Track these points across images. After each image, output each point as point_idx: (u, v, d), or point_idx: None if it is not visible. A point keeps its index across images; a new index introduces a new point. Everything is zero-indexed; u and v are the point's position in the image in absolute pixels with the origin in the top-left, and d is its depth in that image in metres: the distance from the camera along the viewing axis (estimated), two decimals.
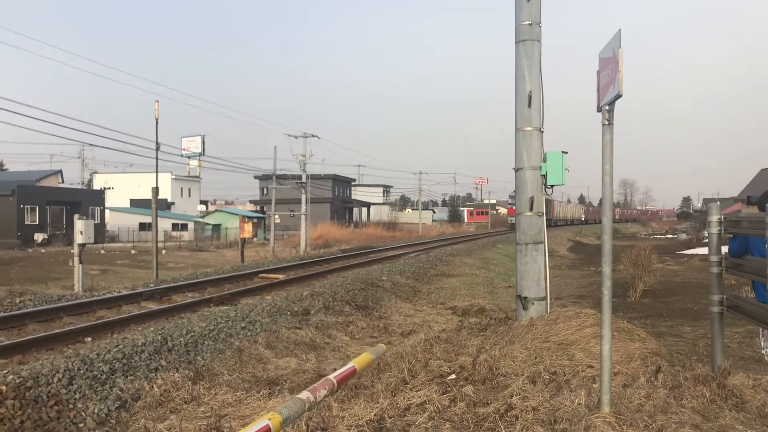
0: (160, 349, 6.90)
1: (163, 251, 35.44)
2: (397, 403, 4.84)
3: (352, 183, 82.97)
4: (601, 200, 4.55)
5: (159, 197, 21.98)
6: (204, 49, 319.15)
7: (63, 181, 63.79)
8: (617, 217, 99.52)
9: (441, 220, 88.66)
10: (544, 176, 7.55)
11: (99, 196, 52.21)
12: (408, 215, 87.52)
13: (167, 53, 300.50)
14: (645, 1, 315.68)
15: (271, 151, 38.49)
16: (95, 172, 72.98)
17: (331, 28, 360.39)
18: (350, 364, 4.44)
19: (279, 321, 9.12)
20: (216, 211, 69.66)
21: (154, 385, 5.86)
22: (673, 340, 9.47)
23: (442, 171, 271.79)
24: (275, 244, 36.06)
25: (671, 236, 57.78)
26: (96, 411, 5.37)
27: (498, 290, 16.44)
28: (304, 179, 38.74)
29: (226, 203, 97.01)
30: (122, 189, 66.89)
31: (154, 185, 21.08)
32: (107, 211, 53.14)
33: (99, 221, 45.19)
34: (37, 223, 43.24)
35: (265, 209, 62.28)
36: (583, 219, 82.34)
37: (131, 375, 6.13)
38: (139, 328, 8.62)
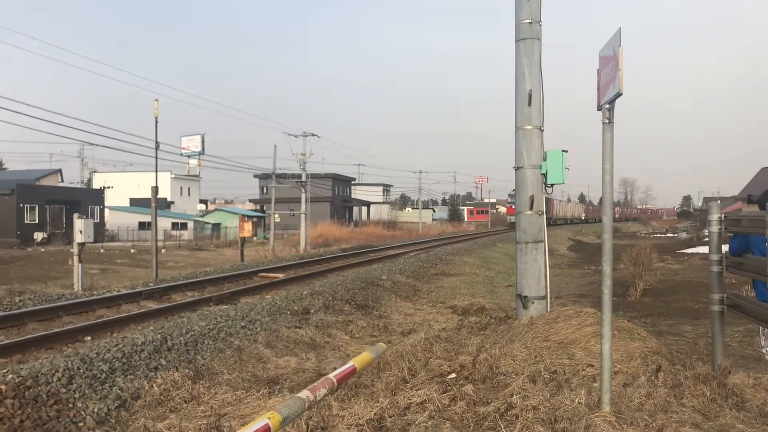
0: (159, 348, 6.89)
1: (163, 250, 35.44)
2: (397, 402, 4.84)
3: (352, 182, 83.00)
4: (601, 199, 4.54)
5: (159, 196, 21.99)
6: (204, 48, 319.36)
7: (62, 180, 63.86)
8: (617, 215, 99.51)
9: (441, 219, 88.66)
10: (545, 175, 7.54)
11: (98, 195, 52.20)
12: (408, 214, 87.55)
13: (167, 53, 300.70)
14: (645, 0, 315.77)
15: (271, 150, 38.51)
16: (95, 171, 72.94)
17: (331, 28, 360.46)
18: (350, 363, 4.44)
19: (279, 320, 9.11)
20: (216, 210, 69.75)
21: (154, 385, 5.85)
22: (673, 339, 9.48)
23: (442, 170, 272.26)
24: (275, 243, 36.05)
25: (671, 235, 57.83)
26: (96, 410, 5.37)
27: (498, 289, 16.43)
28: (303, 178, 38.71)
29: (226, 202, 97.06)
30: (122, 188, 66.77)
31: (154, 184, 21.08)
32: (107, 210, 53.13)
33: (98, 220, 45.16)
34: (37, 222, 43.25)
35: (264, 208, 62.29)
36: (583, 218, 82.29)
37: (131, 374, 6.12)
38: (139, 327, 8.60)
